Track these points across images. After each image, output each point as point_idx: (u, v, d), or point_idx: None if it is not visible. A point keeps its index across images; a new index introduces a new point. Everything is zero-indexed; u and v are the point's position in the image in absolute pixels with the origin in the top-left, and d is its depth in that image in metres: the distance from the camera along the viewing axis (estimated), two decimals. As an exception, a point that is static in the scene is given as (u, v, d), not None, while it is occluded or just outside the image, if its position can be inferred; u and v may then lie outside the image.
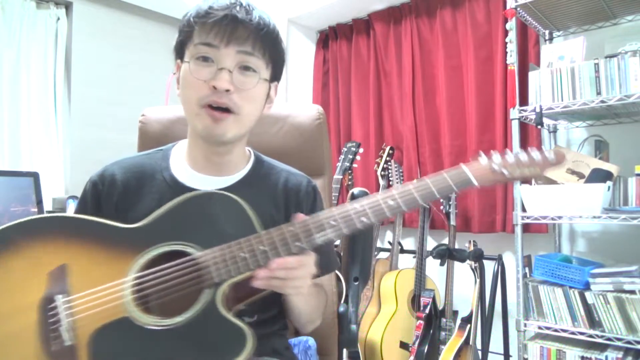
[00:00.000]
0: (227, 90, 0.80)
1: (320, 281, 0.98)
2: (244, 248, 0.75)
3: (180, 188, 0.89)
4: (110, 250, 0.78)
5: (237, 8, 0.81)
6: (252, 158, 0.98)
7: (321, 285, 0.99)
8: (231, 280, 0.75)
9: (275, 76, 0.92)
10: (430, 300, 2.19)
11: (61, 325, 0.72)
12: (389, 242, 2.63)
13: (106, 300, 0.74)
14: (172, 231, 0.79)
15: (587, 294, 1.76)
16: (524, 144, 2.26)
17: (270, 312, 0.93)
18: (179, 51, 0.88)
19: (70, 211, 1.87)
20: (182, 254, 0.77)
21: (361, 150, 2.42)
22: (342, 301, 1.19)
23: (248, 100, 0.84)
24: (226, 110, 0.82)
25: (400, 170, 2.62)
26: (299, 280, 0.78)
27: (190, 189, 0.89)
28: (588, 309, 1.77)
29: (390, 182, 2.65)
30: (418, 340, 2.14)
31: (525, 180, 2.01)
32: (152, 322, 0.73)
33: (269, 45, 0.85)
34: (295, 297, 0.86)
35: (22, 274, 0.75)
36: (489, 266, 2.18)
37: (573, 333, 1.81)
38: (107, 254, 0.78)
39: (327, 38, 3.21)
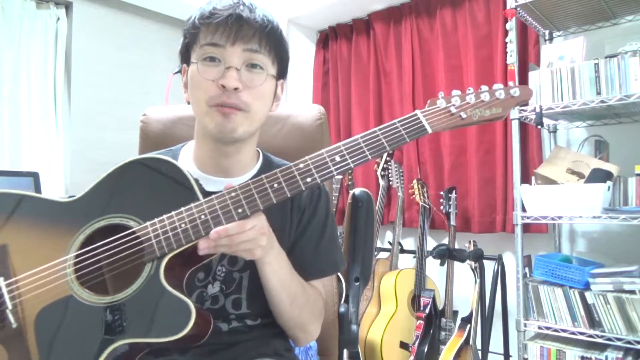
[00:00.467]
0: (236, 89, 0.81)
1: (315, 283, 0.94)
2: (185, 218, 0.74)
3: None
4: (49, 227, 0.77)
5: (241, 7, 0.82)
6: (261, 158, 0.97)
7: (313, 286, 0.94)
8: (173, 253, 0.74)
9: (282, 73, 0.92)
10: (430, 300, 2.19)
11: (7, 307, 0.72)
12: (389, 242, 2.63)
13: (49, 280, 0.73)
14: (110, 203, 0.77)
15: (587, 294, 1.77)
16: (524, 144, 2.26)
17: (271, 315, 0.93)
18: (185, 55, 0.88)
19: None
20: (122, 227, 0.76)
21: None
22: (343, 301, 1.19)
23: (257, 97, 0.84)
24: (235, 108, 0.82)
25: (401, 170, 2.62)
26: (246, 244, 0.75)
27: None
28: (588, 309, 1.78)
29: (391, 182, 2.65)
30: (418, 340, 2.14)
31: (526, 181, 2.02)
32: (95, 299, 0.73)
33: (274, 42, 0.85)
34: (267, 274, 0.83)
35: None
36: (489, 266, 2.19)
37: (573, 333, 1.82)
38: (46, 232, 0.77)
39: (327, 38, 3.21)
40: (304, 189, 0.75)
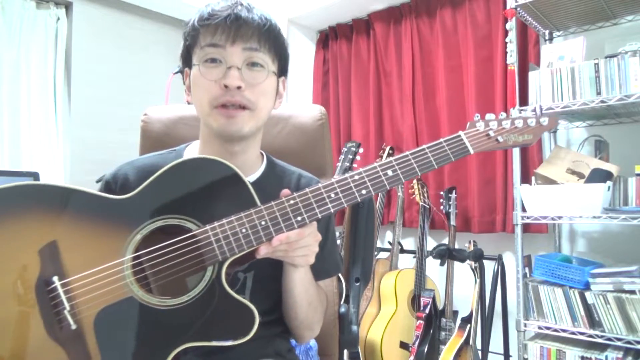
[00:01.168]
0: (239, 88, 0.82)
1: (321, 283, 0.96)
2: (246, 224, 0.75)
3: None
4: (101, 225, 0.75)
5: (239, 7, 0.83)
6: (265, 160, 0.97)
7: (322, 287, 0.97)
8: (234, 257, 0.75)
9: (282, 71, 0.93)
10: (430, 300, 2.19)
11: (64, 308, 0.70)
12: (389, 242, 2.63)
13: (107, 281, 0.72)
14: (165, 203, 0.76)
15: (587, 294, 1.77)
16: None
17: (274, 315, 0.93)
18: (186, 58, 0.89)
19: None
20: (179, 229, 0.75)
21: (361, 150, 2.42)
22: (343, 302, 1.19)
23: (260, 94, 0.85)
24: (240, 107, 0.83)
25: (400, 170, 2.62)
26: (303, 250, 0.78)
27: None
28: (588, 309, 1.78)
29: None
30: (418, 340, 2.14)
31: (526, 181, 2.02)
32: (157, 301, 0.72)
33: (273, 40, 0.87)
34: (296, 279, 0.85)
35: (11, 251, 0.70)
36: (489, 266, 2.19)
37: (573, 333, 1.82)
38: (98, 230, 0.74)
39: (327, 38, 3.21)
40: (359, 200, 0.78)
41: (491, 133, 0.85)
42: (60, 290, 0.70)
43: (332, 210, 0.77)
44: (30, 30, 2.48)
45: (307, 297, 0.88)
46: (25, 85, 2.46)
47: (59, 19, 2.58)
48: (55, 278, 0.71)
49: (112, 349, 0.70)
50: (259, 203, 0.77)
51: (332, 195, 0.77)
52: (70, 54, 2.60)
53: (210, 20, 0.82)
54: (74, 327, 0.70)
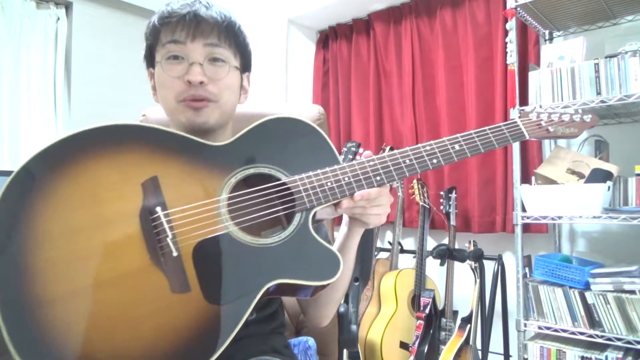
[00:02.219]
0: (202, 83, 0.84)
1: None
2: (331, 178, 0.81)
3: None
4: (199, 166, 0.79)
5: (197, 5, 0.86)
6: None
7: None
8: (319, 207, 0.80)
9: (246, 66, 0.95)
10: (430, 300, 2.19)
11: (167, 236, 0.72)
12: (389, 242, 2.63)
13: (205, 216, 0.75)
14: (258, 153, 0.82)
15: (587, 294, 1.76)
16: (523, 144, 2.26)
17: (269, 310, 0.94)
18: (149, 58, 0.92)
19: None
20: (270, 177, 0.81)
21: (361, 150, 2.41)
22: (342, 301, 1.19)
23: (223, 88, 0.88)
24: (204, 100, 0.86)
25: (400, 170, 2.62)
26: (379, 208, 0.84)
27: None
28: (588, 309, 1.77)
29: (390, 182, 2.64)
30: (418, 340, 2.14)
31: (526, 181, 2.02)
32: (250, 240, 0.76)
33: (233, 36, 0.89)
34: (357, 239, 0.91)
35: (114, 182, 0.74)
36: (489, 266, 2.19)
37: (573, 333, 1.82)
38: (196, 170, 0.79)
39: (327, 38, 3.21)
40: (430, 167, 0.84)
41: (543, 123, 0.91)
42: (164, 220, 0.73)
43: (407, 174, 0.83)
44: (30, 30, 2.48)
45: (351, 262, 0.93)
46: (25, 85, 2.46)
47: (59, 19, 2.58)
48: (158, 208, 0.74)
49: (209, 279, 0.73)
50: (341, 162, 0.83)
51: (407, 161, 0.83)
52: (70, 54, 2.61)
53: (170, 19, 0.85)
54: (175, 254, 0.72)
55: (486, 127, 0.88)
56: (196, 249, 0.73)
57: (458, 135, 0.86)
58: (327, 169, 0.82)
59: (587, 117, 0.94)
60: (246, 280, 0.74)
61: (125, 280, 0.69)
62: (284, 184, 0.80)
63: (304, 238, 0.78)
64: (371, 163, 0.83)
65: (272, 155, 0.82)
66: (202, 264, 0.73)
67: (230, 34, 0.88)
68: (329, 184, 0.81)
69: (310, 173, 0.81)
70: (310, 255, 0.77)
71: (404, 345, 2.24)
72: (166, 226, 0.73)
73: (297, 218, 0.79)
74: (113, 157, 0.75)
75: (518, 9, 2.02)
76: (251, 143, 0.83)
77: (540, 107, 0.94)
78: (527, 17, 2.12)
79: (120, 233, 0.71)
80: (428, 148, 0.85)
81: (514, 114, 1.98)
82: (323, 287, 0.77)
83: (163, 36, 0.86)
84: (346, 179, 0.81)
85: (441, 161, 0.84)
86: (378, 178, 0.82)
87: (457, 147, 0.85)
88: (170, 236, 0.72)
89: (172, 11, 0.85)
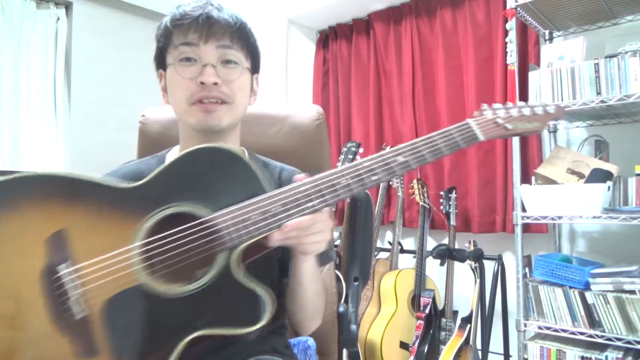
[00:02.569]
0: (215, 84, 0.84)
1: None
2: (256, 210, 0.74)
3: None
4: (110, 213, 0.74)
5: (209, 7, 0.86)
6: (246, 156, 0.98)
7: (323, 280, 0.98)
8: (244, 245, 0.74)
9: (256, 68, 0.95)
10: (430, 300, 2.19)
11: (69, 297, 0.68)
12: (389, 242, 2.63)
13: (116, 268, 0.71)
14: (176, 190, 0.75)
15: (587, 294, 1.76)
16: (523, 144, 2.26)
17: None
18: (160, 60, 0.91)
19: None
20: (190, 216, 0.74)
21: (361, 150, 2.42)
22: (342, 301, 1.19)
23: (237, 90, 0.88)
24: (218, 102, 0.85)
25: (400, 170, 2.62)
26: (315, 236, 0.77)
27: None
28: (588, 309, 1.77)
29: (390, 182, 2.65)
30: (418, 340, 2.14)
31: (526, 181, 2.02)
32: (165, 290, 0.71)
33: (244, 38, 0.89)
34: (308, 265, 0.84)
35: (16, 240, 0.70)
36: (489, 266, 2.18)
37: (573, 333, 1.81)
38: (108, 218, 0.74)
39: (327, 38, 3.21)
40: (369, 186, 0.77)
41: (500, 120, 0.85)
42: (67, 278, 0.69)
43: (342, 197, 0.76)
44: (30, 30, 2.48)
45: (315, 285, 0.88)
46: (25, 85, 2.46)
47: (59, 19, 2.58)
48: (63, 266, 0.70)
49: (120, 339, 0.69)
50: (267, 190, 0.76)
51: (343, 181, 0.76)
52: (70, 54, 2.61)
53: (182, 21, 0.84)
54: (80, 315, 0.68)
55: (434, 133, 0.81)
56: (105, 306, 0.69)
57: (402, 145, 0.79)
58: (253, 200, 0.74)
59: (551, 108, 0.89)
60: (160, 337, 0.69)
61: (24, 351, 0.65)
62: (203, 222, 0.73)
63: (227, 282, 0.71)
64: (302, 188, 0.75)
65: (193, 191, 0.75)
66: (111, 323, 0.69)
67: (242, 36, 0.88)
68: (254, 217, 0.73)
69: (234, 207, 0.74)
70: (234, 300, 0.71)
71: (404, 345, 2.24)
72: (70, 285, 0.69)
73: (219, 260, 0.72)
74: (19, 212, 0.70)
75: (518, 9, 2.02)
76: (169, 180, 0.76)
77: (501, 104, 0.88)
78: (527, 17, 2.12)
79: (19, 298, 0.67)
80: (367, 164, 0.77)
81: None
82: (257, 330, 0.71)
83: (175, 38, 0.86)
84: (274, 209, 0.74)
85: (381, 177, 0.77)
86: (309, 205, 0.74)
87: (400, 159, 0.78)
88: (74, 296, 0.68)
89: (184, 13, 0.85)
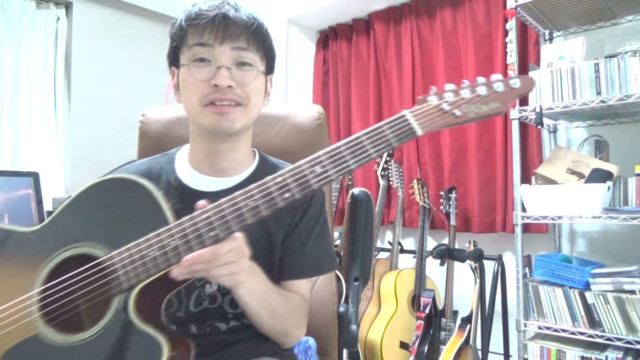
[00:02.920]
0: (230, 87, 0.82)
1: (295, 288, 0.91)
2: (153, 245, 0.68)
3: (185, 190, 0.89)
4: (14, 258, 0.72)
5: (226, 7, 0.83)
6: (257, 158, 0.97)
7: (295, 292, 0.91)
8: (141, 285, 0.69)
9: (270, 69, 0.93)
10: (430, 300, 2.19)
11: None
12: (389, 242, 2.63)
13: (13, 319, 0.68)
14: (76, 230, 0.72)
15: (587, 294, 1.76)
16: (524, 144, 2.26)
17: None
18: (173, 58, 0.89)
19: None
20: (89, 257, 0.71)
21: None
22: (342, 301, 1.19)
23: (251, 92, 0.85)
24: (231, 104, 0.83)
25: (401, 170, 2.62)
26: (225, 268, 0.69)
27: (195, 191, 0.88)
28: (588, 309, 1.77)
29: (390, 182, 2.65)
30: (418, 340, 2.14)
31: (526, 181, 2.01)
32: (60, 339, 0.68)
33: (261, 40, 0.86)
34: (240, 292, 0.78)
35: None
36: (489, 266, 2.18)
37: (573, 333, 1.81)
38: (10, 264, 0.71)
39: (327, 38, 3.21)
40: (281, 206, 0.68)
41: (445, 106, 0.71)
42: None
43: (250, 221, 0.68)
44: (30, 30, 2.48)
45: (265, 308, 0.82)
46: (25, 85, 2.46)
47: (59, 19, 2.58)
48: None
49: None
50: (171, 220, 0.70)
51: (251, 203, 0.68)
52: (70, 54, 2.61)
53: (198, 20, 0.82)
54: None
55: (361, 132, 0.71)
56: (4, 359, 0.67)
57: (320, 152, 0.70)
58: (151, 234, 0.69)
59: (515, 82, 0.73)
60: None
61: None
62: (98, 264, 0.69)
63: (123, 326, 0.67)
64: (204, 216, 0.68)
65: (92, 230, 0.71)
66: None
67: (258, 38, 0.85)
68: (151, 253, 0.67)
69: (131, 244, 0.69)
70: (128, 347, 0.67)
71: (404, 345, 2.24)
72: None
73: (114, 303, 0.68)
74: None
75: (518, 9, 2.02)
76: (67, 220, 0.72)
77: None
78: (527, 17, 2.12)
79: None
80: (279, 180, 0.69)
81: (513, 113, 1.97)
82: None
83: (190, 38, 0.83)
84: (172, 243, 0.67)
85: (294, 194, 0.68)
86: (211, 234, 0.67)
87: (318, 169, 0.69)
88: None
89: (199, 12, 0.82)
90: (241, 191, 0.69)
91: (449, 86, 0.73)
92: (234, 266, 0.70)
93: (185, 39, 0.84)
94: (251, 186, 0.70)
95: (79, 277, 0.70)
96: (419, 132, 0.70)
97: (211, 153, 0.90)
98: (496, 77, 0.74)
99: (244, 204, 0.68)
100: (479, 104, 0.71)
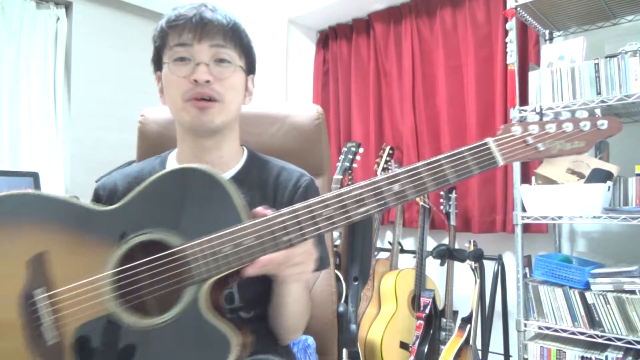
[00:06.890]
0: (208, 82, 0.85)
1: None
2: (228, 242, 0.70)
3: None
4: (87, 236, 0.74)
5: (203, 8, 0.88)
6: (246, 154, 0.99)
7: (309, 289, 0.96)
8: (214, 279, 0.70)
9: (251, 69, 0.96)
10: (430, 300, 2.19)
11: (42, 323, 0.69)
12: (389, 242, 2.63)
13: (87, 297, 0.71)
14: (151, 215, 0.74)
15: (587, 294, 1.76)
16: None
17: (266, 308, 0.93)
18: (157, 61, 0.93)
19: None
20: (162, 244, 0.72)
21: (361, 150, 2.42)
22: (342, 301, 1.19)
23: (229, 88, 0.89)
24: (210, 100, 0.87)
25: (400, 170, 2.62)
26: (295, 268, 0.73)
27: None
28: (588, 309, 1.77)
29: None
30: (418, 340, 2.14)
31: (526, 181, 2.01)
32: (131, 321, 0.70)
33: (238, 38, 0.90)
34: (295, 287, 0.82)
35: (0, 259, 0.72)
36: (489, 266, 2.18)
37: (573, 333, 1.81)
38: (85, 241, 0.74)
39: (327, 38, 3.21)
40: (356, 219, 0.69)
41: (529, 139, 0.70)
42: (42, 304, 0.70)
43: (323, 231, 0.69)
44: (30, 30, 2.48)
45: (298, 306, 0.86)
46: (25, 85, 2.46)
47: (59, 19, 2.58)
48: (39, 290, 0.71)
49: None
50: (244, 218, 0.71)
51: (326, 213, 0.69)
52: (70, 54, 2.61)
53: (177, 22, 0.86)
54: (52, 342, 0.69)
55: (441, 156, 0.69)
56: (76, 334, 0.69)
57: (400, 171, 0.70)
58: (225, 231, 0.70)
59: (602, 124, 0.70)
60: None
61: None
62: (172, 254, 0.70)
63: (192, 318, 0.68)
64: (279, 219, 0.69)
65: (167, 217, 0.72)
66: (81, 351, 0.69)
67: (235, 36, 0.89)
68: (226, 250, 0.69)
69: (206, 238, 0.70)
70: (196, 339, 0.68)
71: (404, 345, 2.24)
72: (44, 311, 0.69)
73: (186, 293, 0.69)
74: (2, 233, 0.72)
75: (518, 9, 2.02)
76: (142, 204, 0.74)
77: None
78: (527, 17, 2.12)
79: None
80: (355, 193, 0.69)
81: (513, 113, 1.97)
82: None
83: (171, 39, 0.88)
84: (247, 241, 0.69)
85: (369, 210, 0.68)
86: (286, 239, 0.69)
87: (396, 187, 0.69)
88: (47, 322, 0.69)
89: (179, 15, 0.87)
90: (317, 199, 0.70)
91: (533, 117, 0.73)
92: (303, 267, 0.74)
93: (166, 41, 0.89)
94: (327, 195, 0.70)
95: (155, 264, 0.71)
96: (500, 162, 0.69)
97: (197, 151, 0.93)
98: (583, 114, 0.72)
99: (319, 212, 0.69)
100: (563, 141, 0.70)
